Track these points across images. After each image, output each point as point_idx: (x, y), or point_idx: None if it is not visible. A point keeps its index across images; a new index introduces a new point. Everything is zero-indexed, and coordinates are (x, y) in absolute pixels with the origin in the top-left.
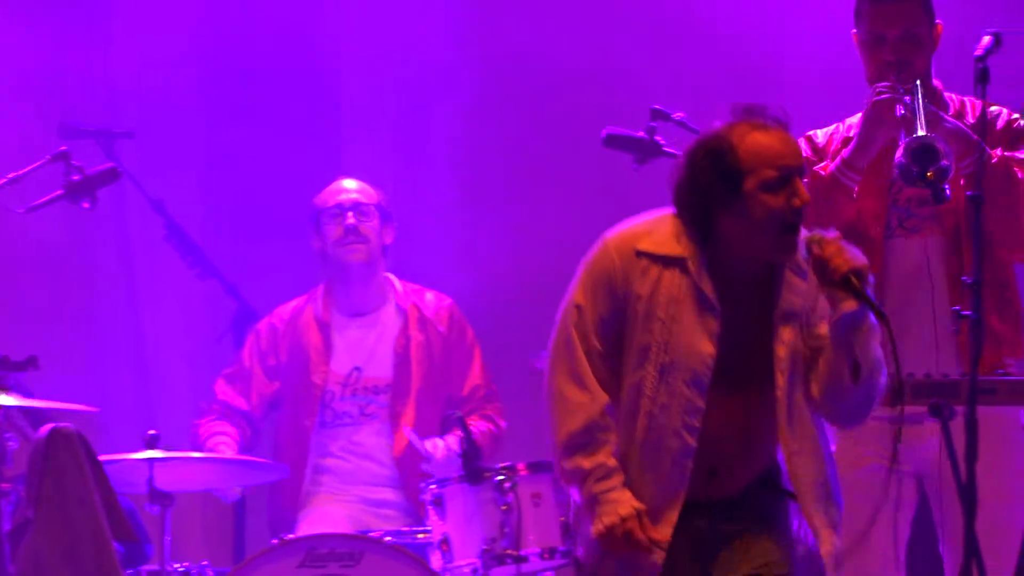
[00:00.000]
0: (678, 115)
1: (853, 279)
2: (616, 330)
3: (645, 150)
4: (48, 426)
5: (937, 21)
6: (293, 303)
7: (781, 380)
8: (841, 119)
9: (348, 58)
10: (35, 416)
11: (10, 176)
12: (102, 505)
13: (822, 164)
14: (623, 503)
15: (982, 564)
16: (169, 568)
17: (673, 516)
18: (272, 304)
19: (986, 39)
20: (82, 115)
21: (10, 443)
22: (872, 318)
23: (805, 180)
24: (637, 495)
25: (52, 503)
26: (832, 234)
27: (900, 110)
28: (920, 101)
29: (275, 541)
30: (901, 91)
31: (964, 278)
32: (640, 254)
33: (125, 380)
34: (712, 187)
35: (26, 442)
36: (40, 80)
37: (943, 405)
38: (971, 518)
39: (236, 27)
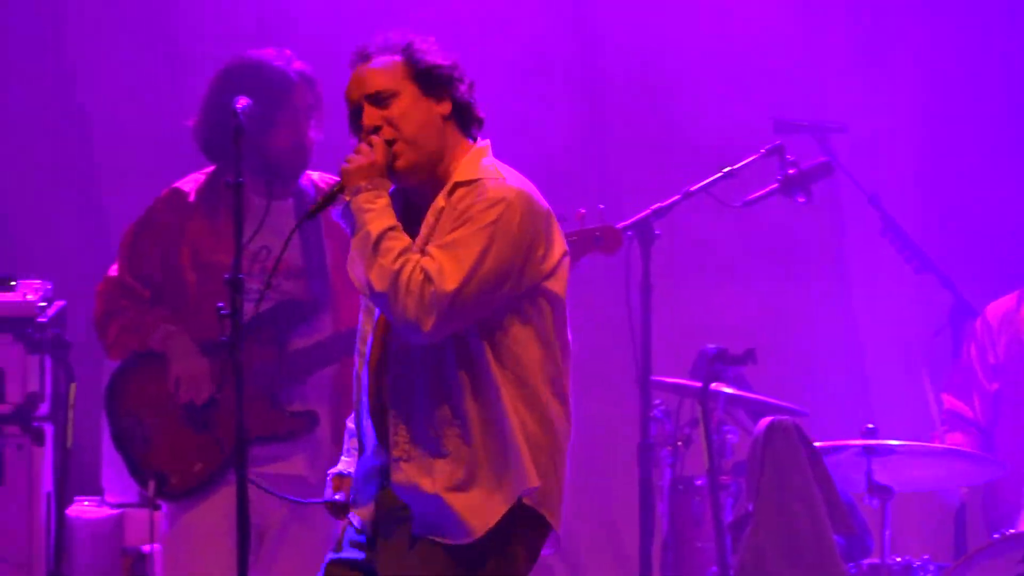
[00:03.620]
0: None
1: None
2: None
3: None
4: (766, 419)
5: None
6: (1005, 299)
7: None
8: None
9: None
10: (754, 409)
11: (726, 170)
12: (821, 497)
13: None
14: None
15: None
16: (889, 561)
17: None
18: (989, 299)
19: None
20: (796, 110)
21: (729, 436)
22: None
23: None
24: None
25: (772, 495)
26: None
27: None
28: None
29: (996, 536)
30: None
31: None
32: None
33: (837, 374)
34: None
35: (745, 435)
36: (752, 73)
37: None
38: None
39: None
